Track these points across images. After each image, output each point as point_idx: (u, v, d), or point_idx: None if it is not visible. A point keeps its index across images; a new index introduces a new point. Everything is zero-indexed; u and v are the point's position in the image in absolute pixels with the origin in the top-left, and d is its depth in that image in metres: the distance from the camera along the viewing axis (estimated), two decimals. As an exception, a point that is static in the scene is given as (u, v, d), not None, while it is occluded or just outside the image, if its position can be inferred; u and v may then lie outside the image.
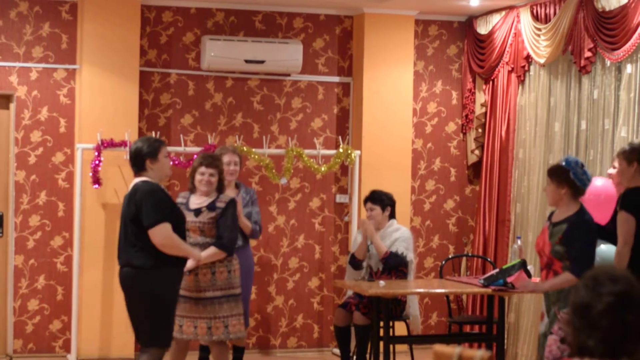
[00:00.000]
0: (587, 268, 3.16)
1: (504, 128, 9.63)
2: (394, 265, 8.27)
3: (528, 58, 9.25)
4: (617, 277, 2.96)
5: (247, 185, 8.66)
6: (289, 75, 9.91)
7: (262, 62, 9.58)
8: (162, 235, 6.38)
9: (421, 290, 8.25)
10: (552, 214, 6.46)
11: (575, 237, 6.18)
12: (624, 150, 6.66)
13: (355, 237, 8.56)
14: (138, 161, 6.53)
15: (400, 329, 8.64)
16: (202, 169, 7.30)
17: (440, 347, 3.45)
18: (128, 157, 6.64)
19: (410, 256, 8.32)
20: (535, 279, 7.85)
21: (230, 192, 7.97)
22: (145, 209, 6.38)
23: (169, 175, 6.87)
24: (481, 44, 9.95)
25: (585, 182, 6.23)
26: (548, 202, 6.52)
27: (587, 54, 8.31)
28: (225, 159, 7.96)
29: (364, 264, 8.41)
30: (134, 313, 6.57)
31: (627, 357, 2.92)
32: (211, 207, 7.23)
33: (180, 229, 6.55)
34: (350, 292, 8.59)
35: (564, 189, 6.22)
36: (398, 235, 8.34)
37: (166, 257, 6.45)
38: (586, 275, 3.00)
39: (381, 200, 8.39)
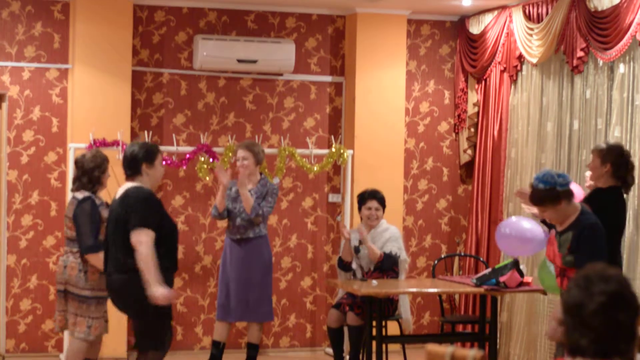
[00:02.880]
0: None
1: (497, 127, 9.64)
2: (389, 267, 8.26)
3: (520, 58, 9.25)
4: (609, 277, 2.96)
5: (270, 180, 8.86)
6: (281, 74, 9.90)
7: (254, 61, 9.58)
8: (141, 239, 6.19)
9: (414, 289, 8.26)
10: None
11: (583, 245, 6.10)
12: (600, 149, 6.69)
13: (344, 244, 8.51)
14: (134, 165, 6.40)
15: (392, 328, 8.64)
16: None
17: (432, 347, 3.45)
18: (122, 159, 6.55)
19: (404, 255, 8.32)
20: (528, 279, 7.87)
21: (250, 185, 8.44)
22: (134, 214, 6.23)
23: (159, 183, 6.79)
24: (473, 43, 9.95)
25: (568, 182, 6.20)
26: (556, 226, 6.37)
27: (580, 53, 8.31)
28: (237, 154, 8.55)
29: (354, 265, 8.40)
30: (135, 318, 6.55)
31: (620, 357, 2.92)
32: None
33: (171, 238, 6.43)
34: (342, 293, 8.58)
35: (561, 204, 6.17)
36: (388, 235, 8.33)
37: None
38: (578, 275, 3.00)
39: (384, 202, 8.40)
